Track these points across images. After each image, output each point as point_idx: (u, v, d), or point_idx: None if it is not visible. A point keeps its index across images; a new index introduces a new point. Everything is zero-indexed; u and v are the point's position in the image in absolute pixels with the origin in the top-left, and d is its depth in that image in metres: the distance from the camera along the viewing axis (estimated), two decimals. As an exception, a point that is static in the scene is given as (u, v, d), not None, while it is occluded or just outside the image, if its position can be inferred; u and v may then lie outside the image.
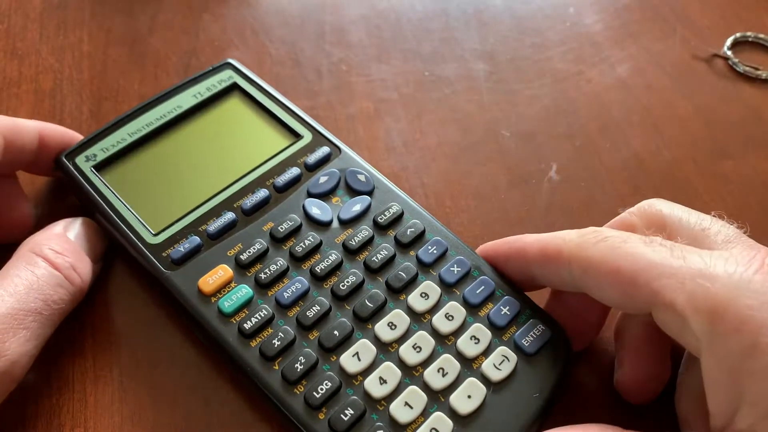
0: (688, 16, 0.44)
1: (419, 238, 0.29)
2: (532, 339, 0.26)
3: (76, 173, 0.30)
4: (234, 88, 0.34)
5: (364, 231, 0.29)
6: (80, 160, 0.31)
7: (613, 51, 0.42)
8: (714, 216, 0.25)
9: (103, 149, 0.31)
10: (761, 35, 0.42)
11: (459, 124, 0.38)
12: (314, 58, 0.40)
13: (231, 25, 0.42)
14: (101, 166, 0.31)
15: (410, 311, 0.27)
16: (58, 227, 0.29)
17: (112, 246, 0.31)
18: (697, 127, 0.38)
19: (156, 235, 0.29)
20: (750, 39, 0.42)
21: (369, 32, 0.42)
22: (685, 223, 0.25)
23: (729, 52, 0.41)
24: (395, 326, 0.27)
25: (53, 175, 0.33)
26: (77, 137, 0.32)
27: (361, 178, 0.31)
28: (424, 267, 0.28)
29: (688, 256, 0.22)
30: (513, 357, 0.26)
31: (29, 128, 0.30)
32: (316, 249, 0.29)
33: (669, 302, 0.22)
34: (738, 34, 0.42)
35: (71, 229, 0.29)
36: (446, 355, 0.26)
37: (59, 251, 0.27)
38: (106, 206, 0.29)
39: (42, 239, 0.27)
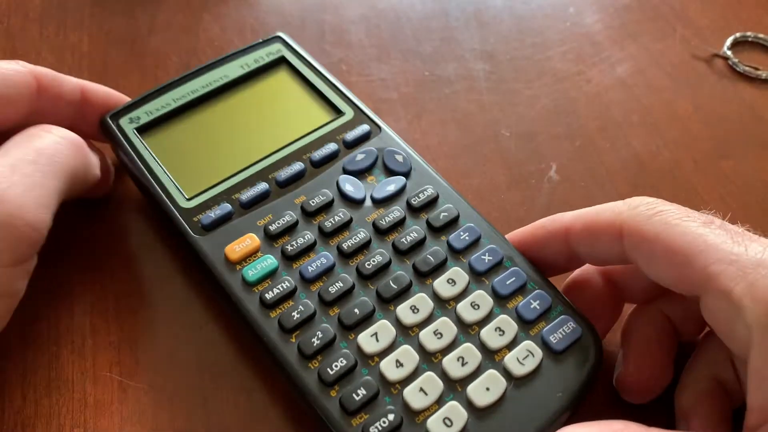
0: (688, 16, 0.44)
1: (452, 223, 0.28)
2: (560, 336, 0.25)
3: (118, 133, 0.31)
4: (281, 61, 0.34)
5: (396, 212, 0.29)
6: (124, 121, 0.31)
7: (613, 51, 0.42)
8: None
9: (147, 112, 0.32)
10: (761, 35, 0.42)
11: (459, 124, 0.38)
12: (314, 58, 0.40)
13: (231, 25, 0.42)
14: (144, 129, 0.31)
15: (435, 296, 0.26)
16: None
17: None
18: (697, 127, 0.38)
19: (189, 199, 0.29)
20: (750, 39, 0.42)
21: (369, 32, 0.42)
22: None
23: (729, 52, 0.41)
24: (418, 310, 0.26)
25: (101, 139, 0.33)
26: (123, 98, 0.33)
27: (399, 158, 0.31)
28: (455, 253, 0.28)
29: (749, 244, 0.22)
30: (538, 353, 0.25)
31: (70, 81, 0.30)
32: (345, 226, 0.28)
33: (725, 289, 0.21)
34: (738, 34, 0.42)
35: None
36: (468, 345, 0.25)
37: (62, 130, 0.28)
38: (143, 167, 0.30)
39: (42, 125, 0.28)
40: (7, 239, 0.23)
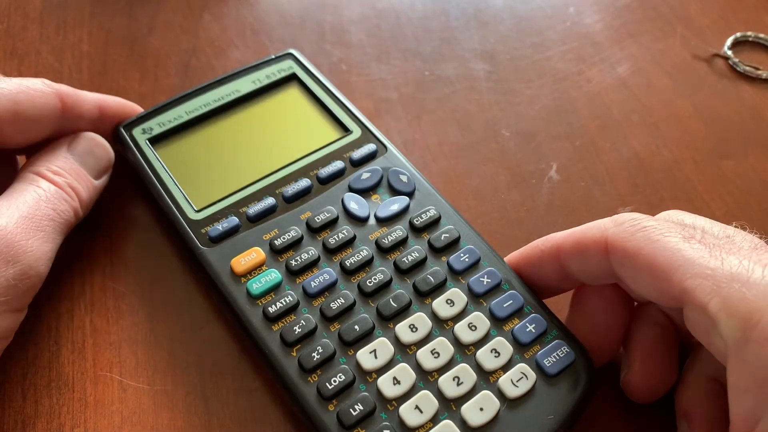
0: (688, 15, 0.44)
1: (453, 244, 0.29)
2: (554, 360, 0.26)
3: (131, 143, 0.32)
4: (292, 78, 0.35)
5: (399, 231, 0.29)
6: (137, 131, 0.32)
7: (613, 51, 0.42)
8: (736, 226, 0.25)
9: (160, 123, 0.33)
10: (761, 35, 0.42)
11: (459, 124, 0.38)
12: (314, 58, 0.40)
13: (231, 25, 0.42)
14: (156, 140, 0.32)
15: (434, 316, 0.27)
16: (61, 143, 0.30)
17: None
18: (697, 127, 0.38)
19: (198, 211, 0.30)
20: (750, 39, 0.42)
21: (369, 32, 0.42)
22: (708, 232, 0.24)
23: (729, 52, 0.41)
24: (416, 329, 0.26)
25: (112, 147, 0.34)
26: (137, 109, 0.33)
27: (403, 178, 0.31)
28: (454, 274, 0.28)
29: (726, 258, 0.22)
30: (532, 375, 0.25)
31: (88, 100, 0.31)
32: (348, 243, 0.29)
33: (701, 303, 0.21)
34: (738, 34, 0.42)
35: (74, 145, 0.30)
36: (464, 365, 0.26)
37: (57, 172, 0.28)
38: (154, 178, 0.31)
39: (41, 160, 0.29)
40: (22, 288, 0.25)
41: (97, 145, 0.31)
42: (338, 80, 0.39)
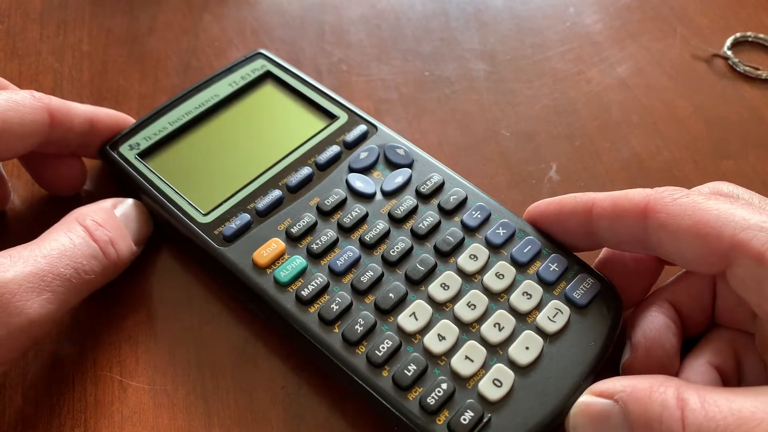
0: (688, 16, 0.44)
1: (462, 204, 0.30)
2: (582, 292, 0.27)
3: (121, 161, 0.32)
4: (267, 75, 0.36)
5: (408, 200, 0.30)
6: (124, 149, 0.32)
7: (613, 51, 0.42)
8: None
9: (145, 138, 0.32)
10: (761, 35, 0.42)
11: (459, 124, 0.38)
12: (314, 58, 0.40)
13: (231, 25, 0.42)
14: (145, 154, 0.32)
15: (461, 272, 0.28)
16: (107, 202, 0.30)
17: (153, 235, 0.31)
18: (697, 127, 0.38)
19: (206, 215, 0.30)
20: (750, 39, 0.42)
21: (369, 32, 0.42)
22: (756, 201, 0.25)
23: (729, 52, 0.41)
24: (448, 287, 0.27)
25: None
26: (129, 121, 0.33)
27: (400, 152, 0.32)
28: (470, 231, 0.29)
29: None
30: (566, 309, 0.27)
31: (79, 113, 0.31)
32: (363, 219, 0.30)
33: (756, 254, 0.22)
34: (738, 34, 0.42)
35: (120, 207, 0.30)
36: (500, 311, 0.27)
37: (101, 224, 0.28)
38: (154, 191, 0.31)
39: (88, 210, 0.28)
40: (21, 348, 0.24)
41: (143, 212, 0.30)
42: (338, 80, 0.39)
